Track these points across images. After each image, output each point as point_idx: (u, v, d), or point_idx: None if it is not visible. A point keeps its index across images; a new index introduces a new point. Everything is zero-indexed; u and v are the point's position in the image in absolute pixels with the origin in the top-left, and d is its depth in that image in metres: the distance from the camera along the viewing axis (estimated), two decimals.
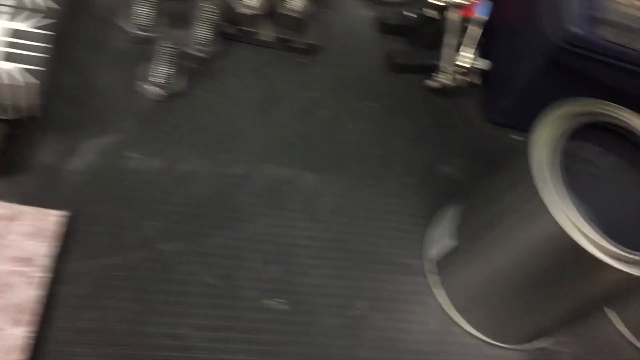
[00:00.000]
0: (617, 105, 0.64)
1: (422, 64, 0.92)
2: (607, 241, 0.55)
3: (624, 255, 0.55)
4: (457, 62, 0.90)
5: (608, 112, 0.64)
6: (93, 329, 0.61)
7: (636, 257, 0.56)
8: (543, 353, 0.75)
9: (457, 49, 0.91)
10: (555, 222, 0.56)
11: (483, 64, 0.89)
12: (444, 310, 0.75)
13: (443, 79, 0.90)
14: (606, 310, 0.82)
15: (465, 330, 0.74)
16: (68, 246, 0.65)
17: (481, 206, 0.70)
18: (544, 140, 0.60)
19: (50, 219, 0.64)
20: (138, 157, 0.74)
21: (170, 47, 0.73)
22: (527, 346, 0.75)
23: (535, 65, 0.82)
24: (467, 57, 0.89)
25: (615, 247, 0.55)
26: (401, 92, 0.92)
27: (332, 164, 0.82)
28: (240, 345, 0.66)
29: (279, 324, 0.68)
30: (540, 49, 0.80)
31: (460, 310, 0.75)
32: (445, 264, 0.76)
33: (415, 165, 0.86)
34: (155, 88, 0.77)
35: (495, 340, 0.74)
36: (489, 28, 0.93)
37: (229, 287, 0.69)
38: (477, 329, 0.74)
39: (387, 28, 0.97)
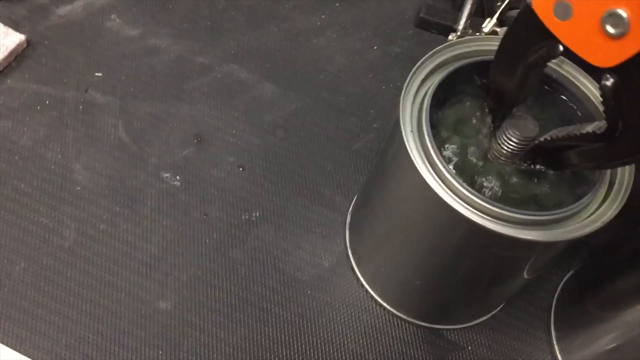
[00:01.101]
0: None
1: (443, 23, 0.86)
2: (472, 194, 0.46)
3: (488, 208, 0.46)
4: (483, 27, 0.82)
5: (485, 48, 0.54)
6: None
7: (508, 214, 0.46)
8: (435, 335, 0.66)
9: (485, 14, 0.83)
10: (420, 175, 0.48)
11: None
12: (346, 253, 0.69)
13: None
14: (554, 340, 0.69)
15: (358, 278, 0.68)
16: (17, 65, 0.74)
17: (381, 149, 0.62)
18: (414, 92, 0.52)
19: (10, 38, 0.73)
20: (118, 22, 0.80)
21: None
22: (418, 321, 0.66)
23: None
24: (488, 22, 0.81)
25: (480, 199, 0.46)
26: (415, 45, 0.86)
27: (302, 85, 0.80)
28: (120, 198, 0.68)
29: (164, 196, 0.69)
30: None
31: (358, 257, 0.68)
32: (355, 205, 0.70)
33: (391, 114, 0.80)
34: None
35: (382, 299, 0.66)
36: None
37: (137, 148, 0.71)
38: (368, 282, 0.67)
39: None
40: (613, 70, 0.39)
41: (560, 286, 0.70)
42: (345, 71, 0.82)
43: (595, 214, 0.49)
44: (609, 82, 0.39)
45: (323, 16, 0.87)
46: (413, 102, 0.53)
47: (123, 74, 0.76)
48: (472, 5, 0.83)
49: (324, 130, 0.77)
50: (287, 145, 0.75)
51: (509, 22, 0.83)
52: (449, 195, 0.47)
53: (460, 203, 0.47)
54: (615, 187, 0.50)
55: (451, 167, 0.50)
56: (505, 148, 0.49)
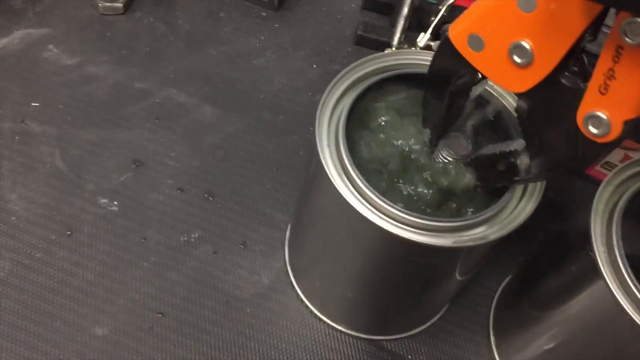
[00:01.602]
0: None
1: (380, 39, 0.88)
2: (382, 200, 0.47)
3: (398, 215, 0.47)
4: (418, 42, 0.84)
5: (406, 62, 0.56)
6: None
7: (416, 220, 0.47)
8: (370, 344, 0.66)
9: (421, 28, 0.85)
10: (333, 186, 0.49)
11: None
12: (285, 269, 0.70)
13: None
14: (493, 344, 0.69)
15: (297, 294, 0.68)
16: None
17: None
18: (332, 106, 0.54)
19: None
20: (56, 51, 0.81)
21: None
22: (357, 333, 0.66)
23: None
24: (422, 37, 0.83)
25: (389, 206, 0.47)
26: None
27: (241, 106, 0.81)
28: (56, 226, 0.68)
29: (101, 221, 0.69)
30: None
31: (297, 273, 0.68)
32: (292, 222, 0.70)
33: None
34: (101, 2, 0.83)
35: (321, 314, 0.67)
36: None
37: (74, 176, 0.72)
38: (307, 297, 0.68)
39: (369, 3, 0.94)
40: (525, 95, 0.42)
41: (498, 291, 0.71)
42: (285, 90, 0.84)
43: (513, 213, 0.50)
44: (523, 105, 0.43)
45: (262, 37, 0.88)
46: (331, 116, 0.54)
47: (60, 103, 0.77)
48: (406, 20, 0.85)
49: (264, 149, 0.78)
50: (227, 166, 0.76)
51: (443, 36, 0.86)
52: (364, 205, 0.48)
53: (375, 213, 0.47)
54: (530, 185, 0.51)
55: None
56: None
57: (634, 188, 0.53)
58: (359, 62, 0.56)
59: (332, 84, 0.55)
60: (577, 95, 0.39)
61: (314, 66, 0.87)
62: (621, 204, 0.51)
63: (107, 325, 0.63)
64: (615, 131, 0.37)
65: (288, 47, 0.88)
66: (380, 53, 0.57)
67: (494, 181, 0.51)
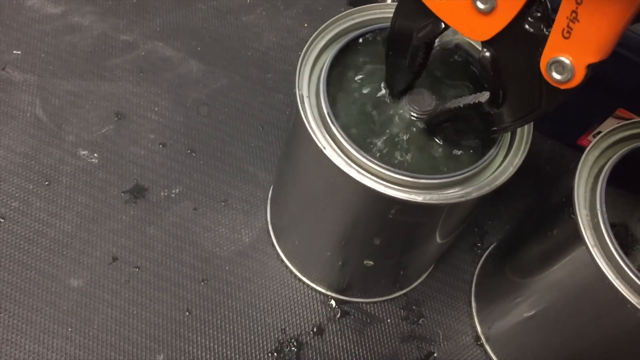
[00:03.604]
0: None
1: None
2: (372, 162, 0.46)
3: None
4: None
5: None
6: None
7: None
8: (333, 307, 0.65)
9: None
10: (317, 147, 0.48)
11: None
12: (266, 228, 0.69)
13: None
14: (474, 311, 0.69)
15: (278, 254, 0.67)
16: None
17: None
18: (313, 59, 0.52)
19: None
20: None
21: None
22: (337, 294, 0.65)
23: None
24: None
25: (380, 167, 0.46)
26: None
27: (229, 63, 0.79)
28: (34, 176, 0.67)
29: (80, 173, 0.68)
30: None
31: (278, 232, 0.67)
32: (274, 180, 0.69)
33: None
34: None
35: (301, 274, 0.66)
36: None
37: (55, 126, 0.70)
38: (287, 257, 0.67)
39: None
40: (489, 43, 0.41)
41: (482, 257, 0.71)
42: (274, 48, 0.82)
43: (494, 173, 0.49)
44: (487, 54, 0.41)
45: None
46: (313, 67, 0.53)
47: (42, 52, 0.75)
48: None
49: (250, 107, 0.76)
50: (211, 122, 0.74)
51: None
52: (341, 158, 0.46)
53: (352, 166, 0.46)
54: (517, 137, 0.50)
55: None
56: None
57: (620, 152, 0.51)
58: (345, 12, 0.54)
59: (315, 34, 0.53)
60: (540, 42, 0.38)
61: (305, 25, 0.85)
62: (607, 167, 0.50)
63: (83, 277, 0.62)
64: (579, 76, 0.36)
65: (279, 4, 0.86)
66: (367, 5, 0.55)
67: (459, 136, 0.49)
